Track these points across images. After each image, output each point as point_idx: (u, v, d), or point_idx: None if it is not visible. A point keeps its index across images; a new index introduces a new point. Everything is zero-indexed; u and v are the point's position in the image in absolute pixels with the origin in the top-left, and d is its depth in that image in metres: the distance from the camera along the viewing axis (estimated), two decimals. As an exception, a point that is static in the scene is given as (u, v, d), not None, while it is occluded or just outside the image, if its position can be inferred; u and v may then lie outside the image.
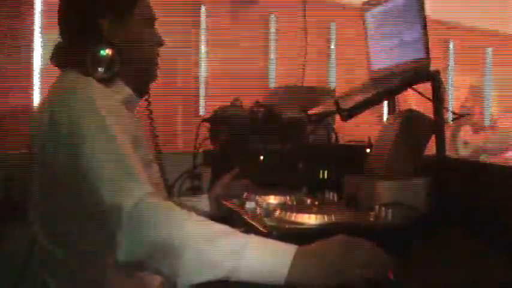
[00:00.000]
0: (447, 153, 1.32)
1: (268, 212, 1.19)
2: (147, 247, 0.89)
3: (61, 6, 1.19)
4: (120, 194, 0.93)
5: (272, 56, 4.84)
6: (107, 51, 1.13)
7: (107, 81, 1.13)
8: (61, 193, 1.05)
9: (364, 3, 1.64)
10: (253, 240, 0.88)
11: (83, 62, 1.12)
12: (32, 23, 3.74)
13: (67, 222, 1.07)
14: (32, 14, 3.75)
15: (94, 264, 1.08)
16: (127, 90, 1.20)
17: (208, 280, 0.84)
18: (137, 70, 1.22)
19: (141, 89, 1.25)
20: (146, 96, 1.31)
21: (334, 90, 2.94)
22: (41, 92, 3.85)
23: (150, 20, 1.25)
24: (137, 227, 0.90)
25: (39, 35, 3.78)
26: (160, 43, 1.27)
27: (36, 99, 3.85)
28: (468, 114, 6.12)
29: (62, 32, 1.20)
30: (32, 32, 3.74)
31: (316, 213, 1.12)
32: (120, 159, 0.98)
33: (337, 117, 1.35)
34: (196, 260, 0.85)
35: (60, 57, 1.19)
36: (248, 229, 1.11)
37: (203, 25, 4.53)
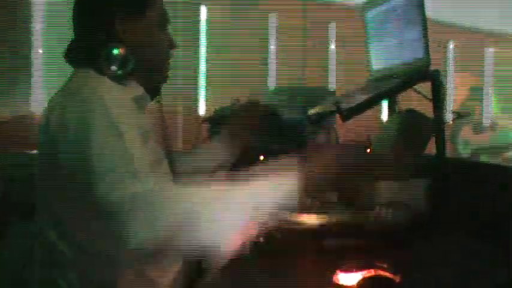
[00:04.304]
0: (447, 153, 1.32)
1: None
2: (162, 231, 0.91)
3: (76, 4, 1.20)
4: (122, 188, 0.94)
5: (272, 56, 4.84)
6: (119, 50, 1.13)
7: (119, 80, 1.13)
8: (70, 192, 1.05)
9: (364, 3, 1.64)
10: (258, 187, 0.92)
11: (96, 61, 1.12)
12: (31, 24, 3.75)
13: (77, 222, 1.08)
14: (31, 15, 3.76)
15: (104, 265, 1.08)
16: (139, 90, 1.20)
17: (231, 238, 0.88)
18: (149, 70, 1.22)
19: (153, 89, 1.25)
20: (157, 97, 1.30)
21: (334, 91, 2.94)
22: (41, 94, 3.86)
23: (164, 21, 1.25)
24: (143, 213, 0.92)
25: (39, 36, 3.79)
26: (173, 45, 1.27)
27: (36, 101, 3.86)
28: (468, 114, 6.12)
29: (76, 30, 1.20)
30: (31, 33, 3.75)
31: (316, 213, 1.12)
32: (126, 156, 0.99)
33: (337, 117, 1.35)
34: (215, 224, 0.88)
35: (73, 55, 1.19)
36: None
37: (203, 25, 4.54)
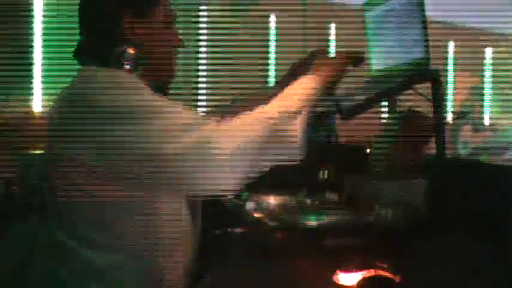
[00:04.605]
0: (447, 153, 1.32)
1: (268, 212, 1.19)
2: (247, 150, 0.97)
3: (82, 5, 1.20)
4: (195, 137, 0.96)
5: (272, 56, 4.84)
6: (129, 51, 1.13)
7: None
8: (99, 184, 1.05)
9: (364, 3, 1.64)
10: (293, 88, 1.11)
11: (104, 59, 1.12)
12: (32, 25, 3.75)
13: (97, 221, 1.08)
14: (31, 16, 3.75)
15: (122, 265, 1.09)
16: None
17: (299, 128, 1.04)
18: (157, 69, 1.22)
19: (160, 88, 1.26)
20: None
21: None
22: (42, 95, 3.85)
23: (170, 20, 1.25)
24: (227, 145, 0.96)
25: (39, 37, 3.79)
26: (180, 43, 1.28)
27: (37, 102, 3.85)
28: (468, 114, 6.12)
29: (83, 30, 1.20)
30: (31, 34, 3.75)
31: (316, 213, 1.12)
32: (178, 112, 1.01)
33: (337, 117, 1.35)
34: (284, 128, 1.02)
35: (82, 54, 1.19)
36: (249, 229, 1.11)
37: (203, 25, 4.54)
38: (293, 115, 1.04)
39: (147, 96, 1.04)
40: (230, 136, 0.97)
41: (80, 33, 1.19)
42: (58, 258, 1.12)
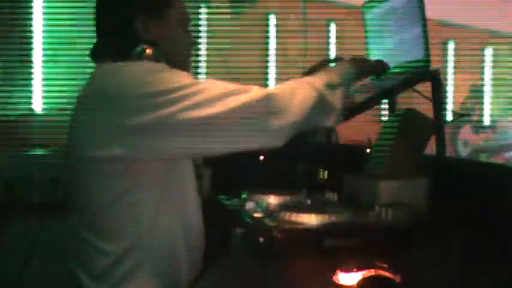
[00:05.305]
0: (447, 153, 1.32)
1: (268, 212, 1.19)
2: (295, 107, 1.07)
3: (99, 5, 1.20)
4: (249, 97, 1.04)
5: (272, 55, 4.84)
6: (147, 50, 1.14)
7: None
8: (131, 174, 1.06)
9: (364, 3, 1.64)
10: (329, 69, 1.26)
11: (122, 59, 1.13)
12: (31, 26, 3.75)
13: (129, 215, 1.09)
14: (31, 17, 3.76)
15: (146, 261, 1.10)
16: None
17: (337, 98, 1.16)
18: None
19: None
20: None
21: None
22: (43, 95, 3.86)
23: (184, 20, 1.26)
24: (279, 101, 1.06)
25: (39, 38, 3.79)
26: (193, 44, 1.29)
27: (37, 102, 3.86)
28: (468, 114, 6.13)
29: (100, 30, 1.21)
30: (31, 34, 3.75)
31: (316, 213, 1.12)
32: (218, 83, 1.07)
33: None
34: (329, 97, 1.14)
35: (100, 54, 1.20)
36: (249, 229, 1.12)
37: (203, 25, 4.54)
38: (335, 86, 1.16)
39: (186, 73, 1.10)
40: (286, 93, 1.08)
41: (97, 34, 1.20)
42: (81, 259, 1.12)
